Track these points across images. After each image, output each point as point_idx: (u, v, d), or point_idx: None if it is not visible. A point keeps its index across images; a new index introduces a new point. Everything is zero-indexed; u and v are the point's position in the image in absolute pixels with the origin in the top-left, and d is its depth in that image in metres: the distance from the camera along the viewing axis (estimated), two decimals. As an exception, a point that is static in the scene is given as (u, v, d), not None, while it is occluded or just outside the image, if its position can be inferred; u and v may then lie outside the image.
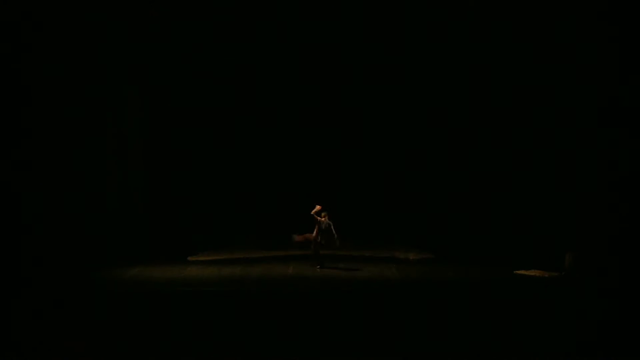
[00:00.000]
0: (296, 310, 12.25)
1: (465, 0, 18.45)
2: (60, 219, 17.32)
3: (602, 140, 16.87)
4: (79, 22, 17.59)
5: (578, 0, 17.11)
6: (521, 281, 14.45)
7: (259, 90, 20.13)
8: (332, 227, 15.85)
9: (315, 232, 15.82)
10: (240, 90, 20.09)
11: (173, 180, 19.60)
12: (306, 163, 20.20)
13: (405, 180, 20.00)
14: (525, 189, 18.09)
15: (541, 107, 17.89)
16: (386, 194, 20.16)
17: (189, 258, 17.39)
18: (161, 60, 19.10)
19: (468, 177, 19.10)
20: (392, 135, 20.19)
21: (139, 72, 18.94)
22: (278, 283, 14.45)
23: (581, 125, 17.27)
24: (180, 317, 11.69)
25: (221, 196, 20.01)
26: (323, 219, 15.85)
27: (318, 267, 15.94)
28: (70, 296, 13.29)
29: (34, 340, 10.47)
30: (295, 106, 20.18)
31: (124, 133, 18.84)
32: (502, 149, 18.58)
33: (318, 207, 15.94)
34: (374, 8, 19.05)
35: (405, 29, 19.23)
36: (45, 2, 17.05)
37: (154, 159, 19.35)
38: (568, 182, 17.39)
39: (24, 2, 16.77)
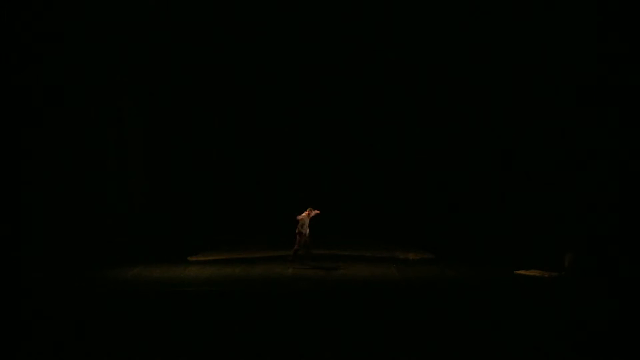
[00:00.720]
0: (296, 310, 12.25)
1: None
2: (61, 219, 17.33)
3: (602, 140, 16.88)
4: (80, 22, 17.60)
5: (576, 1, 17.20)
6: (521, 281, 14.45)
7: (259, 91, 20.15)
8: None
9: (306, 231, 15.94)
10: (241, 91, 20.12)
11: (173, 181, 19.62)
12: (307, 163, 20.23)
13: (406, 181, 20.02)
14: (526, 189, 18.10)
15: (541, 108, 17.91)
16: (386, 194, 20.18)
17: (189, 258, 17.38)
18: (161, 60, 19.11)
19: (468, 177, 19.12)
20: (393, 136, 20.21)
21: (138, 73, 18.95)
22: (278, 283, 14.45)
23: (581, 126, 17.28)
24: (180, 317, 11.69)
25: (221, 196, 20.03)
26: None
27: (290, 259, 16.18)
28: (70, 296, 13.28)
29: (34, 340, 10.47)
30: (295, 106, 20.21)
31: (124, 134, 18.85)
32: (503, 149, 18.60)
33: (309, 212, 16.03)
34: (374, 7, 19.11)
35: (405, 28, 19.26)
36: (46, 2, 17.07)
37: (154, 159, 19.36)
38: (568, 182, 17.40)
39: (25, 3, 16.78)
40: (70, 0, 17.44)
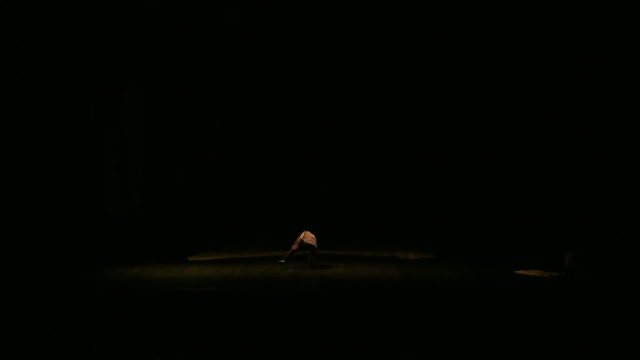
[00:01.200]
0: (296, 310, 12.24)
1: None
2: (61, 219, 17.33)
3: (602, 140, 16.89)
4: (80, 21, 17.61)
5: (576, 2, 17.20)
6: (521, 281, 14.45)
7: (259, 90, 20.14)
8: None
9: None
10: (241, 90, 20.10)
11: (173, 181, 19.61)
12: (306, 162, 20.21)
13: (406, 181, 20.01)
14: (525, 189, 18.10)
15: (542, 107, 17.91)
16: (386, 194, 20.16)
17: (189, 258, 17.38)
18: (161, 60, 19.10)
19: (468, 177, 19.11)
20: (392, 135, 20.19)
21: (139, 72, 18.94)
22: (278, 283, 14.45)
23: (581, 125, 17.29)
24: (180, 317, 11.69)
25: (221, 196, 20.02)
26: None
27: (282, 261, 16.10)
28: (70, 296, 13.27)
29: (33, 340, 10.47)
30: (296, 105, 20.19)
31: (124, 134, 18.85)
32: (502, 148, 18.60)
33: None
34: (374, 7, 19.11)
35: (405, 28, 19.26)
36: (45, 1, 17.07)
37: (154, 159, 19.36)
38: (568, 182, 17.40)
39: (24, 2, 16.79)
40: (70, 0, 17.45)
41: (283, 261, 16.02)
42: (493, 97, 18.67)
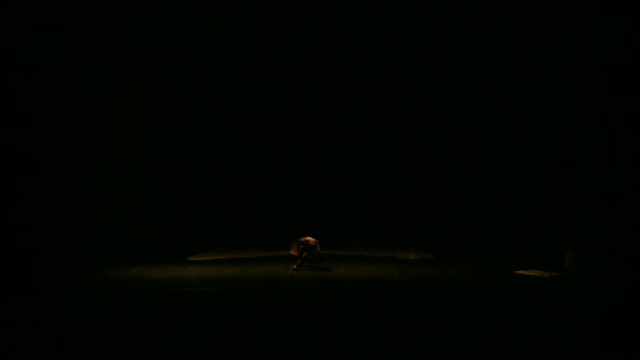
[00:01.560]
0: (296, 310, 12.24)
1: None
2: (60, 219, 17.32)
3: (602, 140, 16.90)
4: (79, 21, 17.61)
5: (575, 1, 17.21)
6: (521, 281, 14.45)
7: (259, 90, 20.13)
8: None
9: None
10: (241, 90, 20.10)
11: (173, 181, 19.61)
12: (306, 162, 20.20)
13: (405, 180, 20.00)
14: (526, 189, 18.10)
15: (541, 107, 17.92)
16: (386, 194, 20.16)
17: (189, 258, 17.36)
18: (161, 60, 19.10)
19: (468, 177, 19.11)
20: (392, 135, 20.19)
21: (139, 72, 18.94)
22: (278, 283, 14.44)
23: (581, 125, 17.29)
24: (180, 317, 11.69)
25: (221, 196, 20.01)
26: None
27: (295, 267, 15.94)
28: (70, 296, 13.27)
29: (33, 340, 10.47)
30: (296, 105, 20.19)
31: (124, 133, 18.84)
32: (502, 148, 18.60)
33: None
34: (375, 7, 19.12)
35: (403, 27, 19.25)
36: (45, 1, 17.07)
37: (154, 159, 19.35)
38: (568, 182, 17.40)
39: (24, 2, 16.79)
40: (70, 0, 17.46)
41: (295, 267, 15.89)
42: (493, 97, 18.66)
